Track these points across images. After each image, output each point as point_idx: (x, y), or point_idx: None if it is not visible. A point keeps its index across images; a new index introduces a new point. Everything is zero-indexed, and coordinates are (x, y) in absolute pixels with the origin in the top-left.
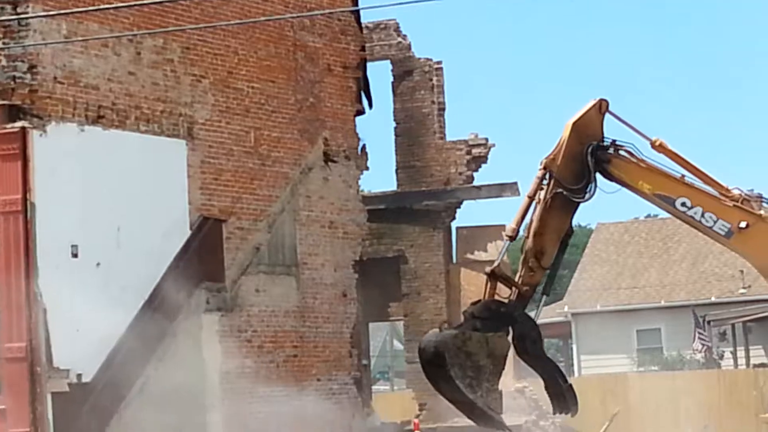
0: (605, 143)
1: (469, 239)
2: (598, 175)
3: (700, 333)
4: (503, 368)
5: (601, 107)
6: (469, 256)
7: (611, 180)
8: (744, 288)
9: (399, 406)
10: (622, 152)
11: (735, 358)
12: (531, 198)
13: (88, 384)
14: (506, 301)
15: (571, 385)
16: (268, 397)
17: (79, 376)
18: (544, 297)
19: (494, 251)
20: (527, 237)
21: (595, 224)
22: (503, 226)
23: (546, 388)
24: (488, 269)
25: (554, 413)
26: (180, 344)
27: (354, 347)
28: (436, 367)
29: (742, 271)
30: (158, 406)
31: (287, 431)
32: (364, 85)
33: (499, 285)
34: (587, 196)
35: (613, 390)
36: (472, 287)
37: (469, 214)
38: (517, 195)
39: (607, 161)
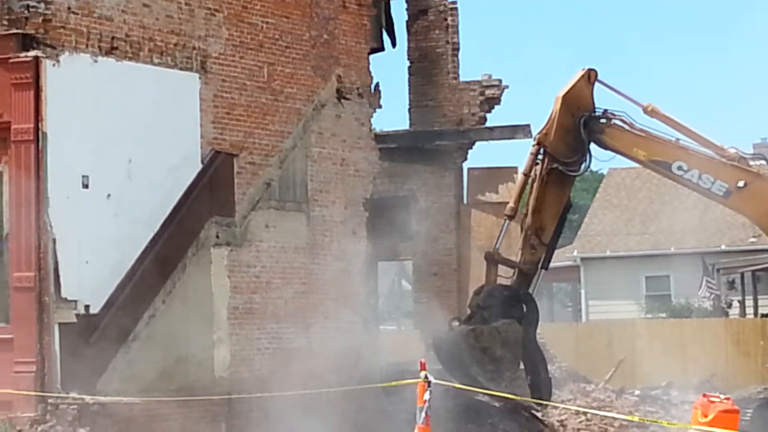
0: (597, 113)
1: (480, 180)
2: (593, 145)
3: (708, 281)
4: (520, 353)
5: (590, 77)
6: (479, 197)
7: (606, 149)
8: (754, 237)
9: (406, 346)
10: (614, 121)
11: (743, 307)
12: (527, 175)
13: (95, 316)
14: (509, 284)
15: (550, 379)
16: (275, 333)
17: (86, 307)
18: (542, 271)
19: (505, 193)
20: (526, 215)
21: (606, 169)
22: (515, 168)
23: (525, 375)
24: (487, 254)
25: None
26: (188, 278)
27: (362, 286)
28: (455, 368)
29: None
30: (165, 340)
31: (294, 368)
32: (387, 23)
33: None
34: (582, 168)
35: (620, 336)
36: (482, 228)
37: (481, 155)
38: (529, 137)
39: (601, 131)
